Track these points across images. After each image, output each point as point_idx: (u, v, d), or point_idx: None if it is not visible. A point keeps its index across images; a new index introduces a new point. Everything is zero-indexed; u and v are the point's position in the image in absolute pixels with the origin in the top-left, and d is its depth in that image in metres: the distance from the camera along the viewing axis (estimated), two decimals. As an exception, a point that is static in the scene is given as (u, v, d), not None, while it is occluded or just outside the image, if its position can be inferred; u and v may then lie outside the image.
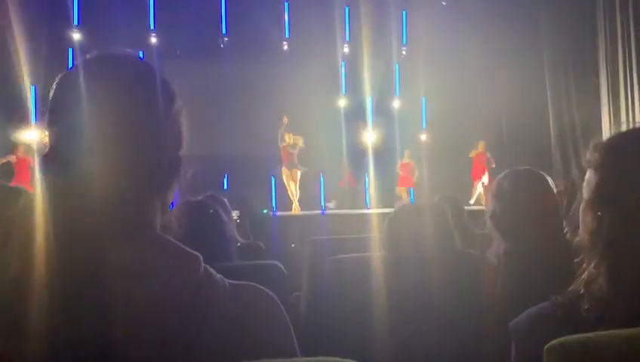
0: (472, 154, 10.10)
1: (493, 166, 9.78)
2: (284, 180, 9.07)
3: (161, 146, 0.71)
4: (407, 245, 1.82)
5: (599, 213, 0.88)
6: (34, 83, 8.31)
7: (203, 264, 0.71)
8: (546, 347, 0.75)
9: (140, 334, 0.63)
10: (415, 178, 10.27)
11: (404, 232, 1.84)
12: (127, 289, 0.64)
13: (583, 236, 0.92)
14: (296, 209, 8.90)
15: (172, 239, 0.71)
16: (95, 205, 0.66)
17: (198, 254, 0.71)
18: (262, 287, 0.76)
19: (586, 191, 0.92)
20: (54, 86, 0.71)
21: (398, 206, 2.12)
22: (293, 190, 9.02)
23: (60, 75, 0.71)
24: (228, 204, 2.41)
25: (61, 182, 0.67)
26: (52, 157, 0.69)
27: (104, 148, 0.67)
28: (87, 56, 0.72)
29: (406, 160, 10.31)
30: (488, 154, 10.00)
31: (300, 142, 8.93)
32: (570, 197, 2.22)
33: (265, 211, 7.37)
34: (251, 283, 0.76)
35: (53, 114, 0.70)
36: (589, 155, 0.92)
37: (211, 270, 0.72)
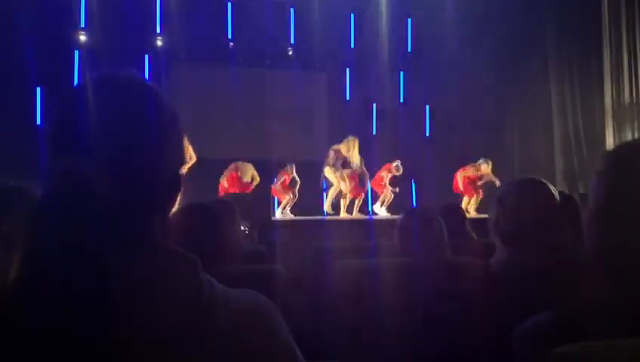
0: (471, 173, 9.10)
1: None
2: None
3: (162, 165, 0.73)
4: (413, 250, 1.85)
5: (607, 224, 0.86)
6: (40, 85, 8.37)
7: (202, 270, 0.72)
8: (547, 355, 0.74)
9: (141, 340, 0.63)
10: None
11: (413, 238, 1.88)
12: (127, 296, 0.64)
13: (588, 246, 0.91)
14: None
15: (172, 245, 0.72)
16: (96, 215, 0.67)
17: (198, 259, 0.72)
18: (259, 294, 0.77)
19: (593, 202, 0.91)
20: (58, 106, 0.72)
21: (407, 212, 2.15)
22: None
23: (63, 94, 0.73)
24: (236, 209, 2.40)
25: (64, 191, 0.68)
26: (56, 170, 0.70)
27: (106, 165, 0.68)
28: (91, 76, 0.74)
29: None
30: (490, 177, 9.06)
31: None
32: (575, 207, 2.21)
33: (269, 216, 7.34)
34: (249, 290, 0.77)
35: (58, 133, 0.72)
36: (598, 164, 0.90)
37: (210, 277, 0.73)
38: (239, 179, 8.37)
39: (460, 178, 9.17)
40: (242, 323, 0.70)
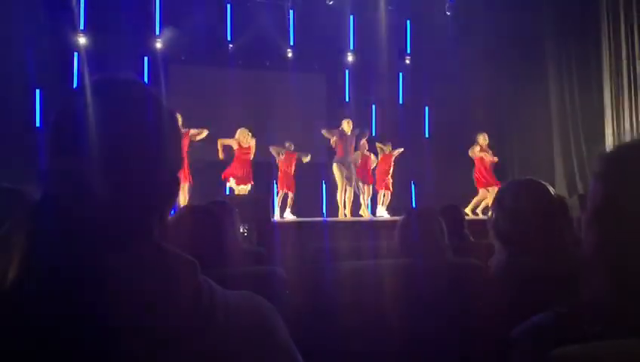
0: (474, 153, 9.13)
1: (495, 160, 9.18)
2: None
3: (160, 167, 0.73)
4: (414, 251, 1.86)
5: (604, 225, 0.86)
6: (39, 87, 8.38)
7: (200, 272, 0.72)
8: (547, 356, 0.74)
9: (140, 341, 0.63)
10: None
11: (413, 239, 1.88)
12: (126, 298, 0.64)
13: (586, 248, 0.90)
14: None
15: (170, 246, 0.72)
16: (95, 217, 0.67)
17: (196, 261, 0.72)
18: (258, 295, 0.77)
19: (591, 203, 0.90)
20: (57, 107, 0.73)
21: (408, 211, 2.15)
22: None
23: (62, 96, 0.73)
24: (235, 210, 2.41)
25: (63, 192, 0.68)
26: (55, 171, 0.70)
27: (105, 166, 0.68)
28: (90, 79, 0.74)
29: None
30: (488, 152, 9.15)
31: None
32: (565, 210, 2.21)
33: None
34: (248, 292, 0.77)
35: (58, 135, 0.72)
36: (595, 166, 0.90)
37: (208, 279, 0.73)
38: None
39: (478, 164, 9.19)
40: (241, 325, 0.70)
